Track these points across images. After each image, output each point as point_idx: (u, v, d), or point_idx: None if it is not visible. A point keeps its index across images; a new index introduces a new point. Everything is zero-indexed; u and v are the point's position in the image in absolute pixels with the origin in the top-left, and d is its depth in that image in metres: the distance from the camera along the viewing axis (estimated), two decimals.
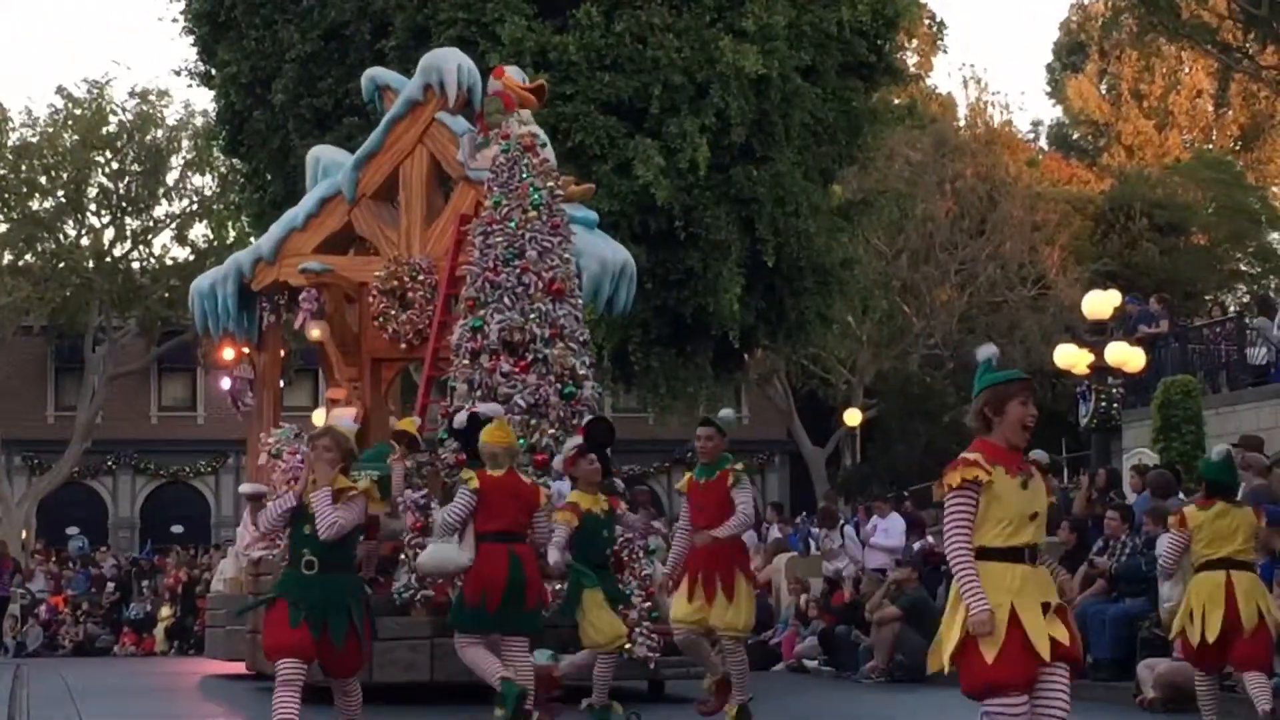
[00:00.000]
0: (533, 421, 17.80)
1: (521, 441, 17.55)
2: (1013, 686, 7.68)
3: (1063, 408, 35.95)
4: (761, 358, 41.99)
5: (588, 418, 17.31)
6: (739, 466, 13.50)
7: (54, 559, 40.98)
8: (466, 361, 18.06)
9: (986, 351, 8.23)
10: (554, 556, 13.36)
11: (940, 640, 7.94)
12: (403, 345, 21.90)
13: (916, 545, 24.57)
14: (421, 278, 21.62)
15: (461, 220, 20.54)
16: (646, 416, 41.37)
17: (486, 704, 15.97)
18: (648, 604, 16.75)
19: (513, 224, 18.24)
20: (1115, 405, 27.41)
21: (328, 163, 23.53)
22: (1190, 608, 12.76)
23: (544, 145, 19.09)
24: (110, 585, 37.40)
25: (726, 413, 14.52)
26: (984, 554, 7.80)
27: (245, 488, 22.15)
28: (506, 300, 18.08)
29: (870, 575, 23.56)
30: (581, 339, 18.48)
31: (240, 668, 21.69)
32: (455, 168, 21.88)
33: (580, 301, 18.93)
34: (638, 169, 29.56)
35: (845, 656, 22.69)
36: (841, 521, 26.62)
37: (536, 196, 18.34)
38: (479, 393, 17.83)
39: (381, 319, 21.80)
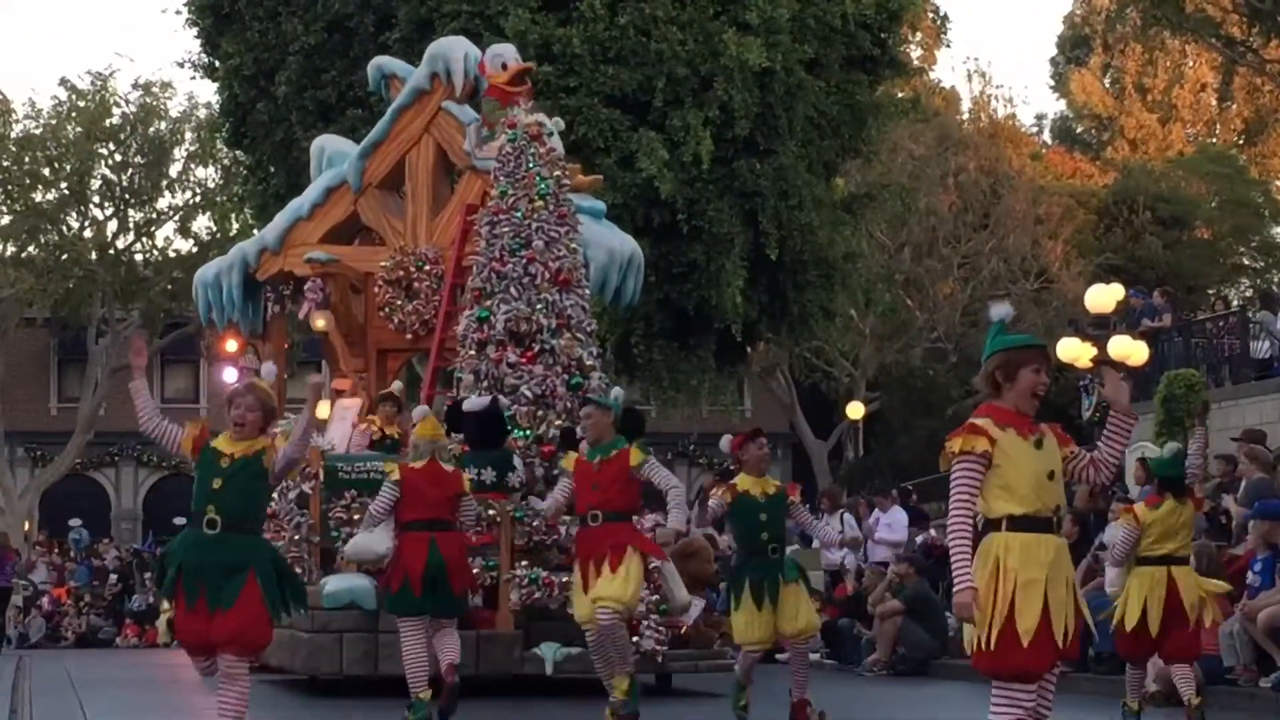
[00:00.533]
0: (539, 413, 17.76)
1: (528, 432, 17.59)
2: (1038, 674, 7.39)
3: (1065, 401, 35.90)
4: (764, 351, 41.98)
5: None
6: (636, 447, 12.96)
7: (56, 551, 41.00)
8: (473, 352, 18.02)
9: (1001, 311, 7.83)
10: (674, 519, 13.32)
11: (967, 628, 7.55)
12: (408, 336, 21.85)
13: (919, 539, 24.60)
14: (428, 268, 21.57)
15: (468, 210, 20.48)
16: (649, 409, 41.37)
17: (487, 696, 16.02)
18: (655, 597, 16.70)
19: (519, 214, 18.19)
20: None
21: (332, 152, 23.47)
22: (1129, 598, 13.00)
23: (551, 134, 19.00)
24: (113, 577, 37.41)
25: (617, 391, 14.57)
26: (1013, 524, 7.41)
27: None
28: (513, 290, 18.04)
29: (873, 569, 23.57)
30: (589, 329, 18.43)
31: None
32: (462, 157, 21.83)
33: (587, 292, 18.91)
34: (641, 162, 29.56)
35: (847, 649, 22.70)
36: (841, 510, 26.53)
37: (543, 186, 18.29)
38: (485, 383, 17.81)
39: (387, 309, 21.75)
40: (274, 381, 20.02)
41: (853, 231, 35.30)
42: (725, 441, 13.33)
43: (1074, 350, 27.82)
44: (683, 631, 17.95)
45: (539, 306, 18.01)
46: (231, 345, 25.31)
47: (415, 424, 14.60)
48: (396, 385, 20.63)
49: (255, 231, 29.37)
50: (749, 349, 36.44)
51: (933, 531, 24.20)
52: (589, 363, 18.19)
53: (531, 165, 18.36)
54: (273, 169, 34.02)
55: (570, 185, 18.99)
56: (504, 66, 20.86)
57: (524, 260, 18.10)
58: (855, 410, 44.60)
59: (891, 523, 25.24)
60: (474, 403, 17.35)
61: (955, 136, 49.41)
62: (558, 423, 17.65)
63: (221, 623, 9.25)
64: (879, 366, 47.57)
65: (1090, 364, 27.31)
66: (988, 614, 7.38)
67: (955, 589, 7.38)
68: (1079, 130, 64.00)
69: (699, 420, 41.28)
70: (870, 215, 38.09)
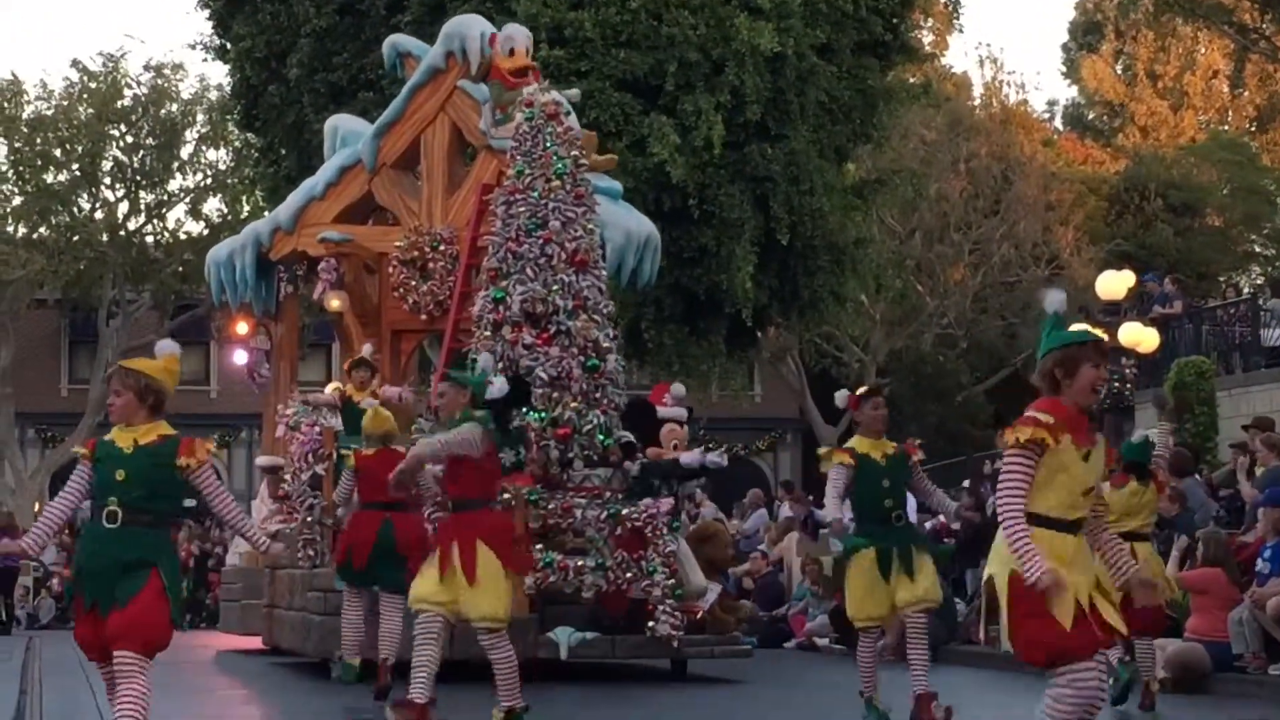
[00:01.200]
0: (555, 394, 17.67)
1: (543, 415, 17.49)
2: (1085, 652, 7.24)
3: None
4: (774, 335, 41.97)
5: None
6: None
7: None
8: (488, 333, 17.91)
9: (1055, 301, 7.67)
10: (831, 511, 12.37)
11: (1002, 615, 7.36)
12: (423, 316, 21.78)
13: (928, 525, 24.55)
14: (442, 248, 21.50)
15: (483, 190, 20.35)
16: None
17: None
18: (671, 581, 16.65)
19: (536, 194, 18.07)
20: (1128, 385, 27.35)
21: (346, 132, 23.39)
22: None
23: (568, 113, 18.89)
24: None
25: (485, 357, 14.53)
26: (1037, 520, 7.28)
27: (262, 460, 21.97)
28: (529, 271, 17.93)
29: None
30: (605, 311, 18.31)
31: (256, 642, 21.64)
32: (477, 136, 21.74)
33: (604, 273, 18.79)
34: (653, 146, 29.54)
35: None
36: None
37: (560, 166, 18.15)
38: (500, 365, 17.74)
39: (402, 290, 21.69)
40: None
41: (863, 217, 35.28)
42: (841, 397, 12.59)
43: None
44: (698, 616, 17.89)
45: (555, 287, 17.90)
46: (242, 328, 25.26)
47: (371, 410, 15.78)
48: (367, 349, 20.47)
49: (266, 214, 29.35)
50: (759, 334, 36.42)
51: (941, 518, 24.14)
52: (605, 344, 18.09)
53: (549, 144, 18.20)
54: (284, 151, 34.03)
55: (586, 164, 18.90)
56: (511, 52, 20.79)
57: (540, 240, 17.99)
58: None
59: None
60: (496, 390, 17.15)
61: (967, 122, 49.34)
62: (573, 404, 17.59)
63: (116, 618, 8.41)
64: (889, 352, 47.53)
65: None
66: (1017, 608, 7.27)
67: (1031, 573, 7.14)
68: (1090, 117, 63.88)
69: (709, 405, 41.23)
70: (881, 200, 38.07)
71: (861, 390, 12.53)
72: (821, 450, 12.55)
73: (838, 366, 47.93)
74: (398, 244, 21.73)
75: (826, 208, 31.88)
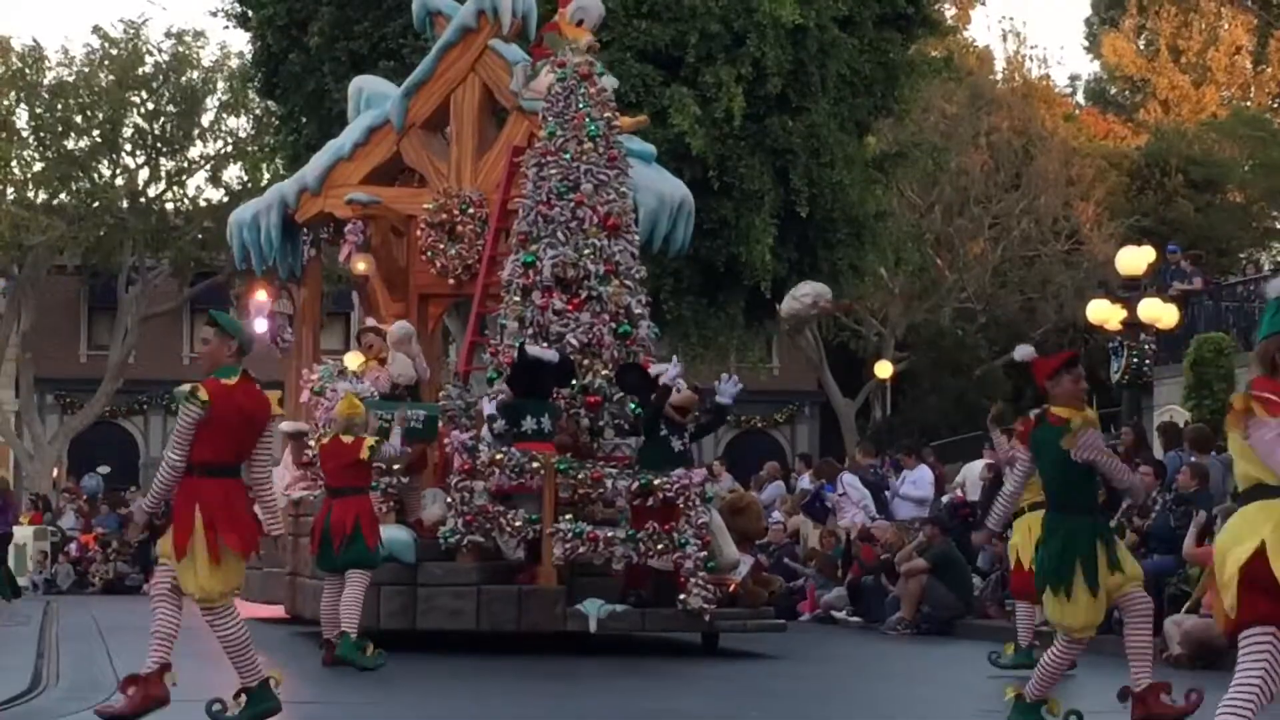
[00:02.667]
0: (585, 362, 17.56)
1: (574, 383, 17.45)
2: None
3: (1095, 363, 35.86)
4: None
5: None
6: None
7: (85, 497, 41.12)
8: (518, 298, 17.84)
9: (1277, 287, 7.37)
10: (1005, 498, 11.53)
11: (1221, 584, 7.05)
12: (451, 281, 21.54)
13: (945, 498, 24.57)
14: (472, 211, 21.32)
15: (514, 151, 20.24)
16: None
17: (529, 653, 16.06)
18: (704, 553, 16.53)
19: (568, 155, 17.98)
20: (1147, 362, 27.34)
21: (371, 93, 23.12)
22: (1019, 544, 14.09)
23: (601, 74, 18.73)
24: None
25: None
26: (1265, 492, 6.96)
27: (285, 426, 21.49)
28: (560, 235, 17.86)
29: (899, 525, 23.56)
30: (637, 276, 18.20)
31: (279, 610, 21.38)
32: (508, 97, 21.54)
33: (636, 238, 18.65)
34: (673, 117, 29.51)
35: (873, 607, 22.72)
36: (841, 471, 26.35)
37: (593, 127, 18.05)
38: (530, 331, 17.65)
39: (430, 253, 21.50)
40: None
41: (884, 190, 35.25)
42: (1023, 351, 12.08)
43: (1104, 312, 27.74)
44: (731, 590, 17.73)
45: (586, 252, 17.82)
46: (262, 295, 25.14)
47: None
48: (368, 322, 20.79)
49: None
50: (778, 306, 36.42)
51: (959, 491, 24.17)
52: (637, 310, 17.98)
53: (581, 105, 18.10)
54: (304, 119, 34.03)
55: (619, 126, 18.68)
56: (579, 23, 20.36)
57: (572, 204, 17.91)
58: (883, 369, 44.55)
59: (917, 480, 25.22)
60: (541, 352, 17.15)
61: (988, 96, 49.23)
62: (604, 372, 17.52)
63: None
64: (908, 326, 47.51)
65: (1120, 326, 27.23)
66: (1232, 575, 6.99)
67: None
68: (1112, 92, 63.67)
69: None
70: (901, 174, 38.03)
71: (1054, 358, 11.36)
72: (1016, 429, 11.43)
73: (856, 340, 47.94)
74: (426, 206, 21.53)
75: (847, 181, 31.85)
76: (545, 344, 17.44)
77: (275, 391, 19.49)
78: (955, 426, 41.58)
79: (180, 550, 10.16)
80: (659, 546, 16.40)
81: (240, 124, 47.87)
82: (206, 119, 47.61)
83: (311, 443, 18.64)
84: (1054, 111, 52.58)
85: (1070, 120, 54.41)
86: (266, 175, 46.03)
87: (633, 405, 17.53)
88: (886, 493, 25.56)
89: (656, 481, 16.51)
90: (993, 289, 47.65)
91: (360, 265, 21.79)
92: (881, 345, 47.15)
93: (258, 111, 45.68)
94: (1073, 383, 10.99)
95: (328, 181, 22.47)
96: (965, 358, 46.01)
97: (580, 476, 16.69)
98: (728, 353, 35.89)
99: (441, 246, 21.39)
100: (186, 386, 10.56)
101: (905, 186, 42.75)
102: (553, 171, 18.00)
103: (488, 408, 17.21)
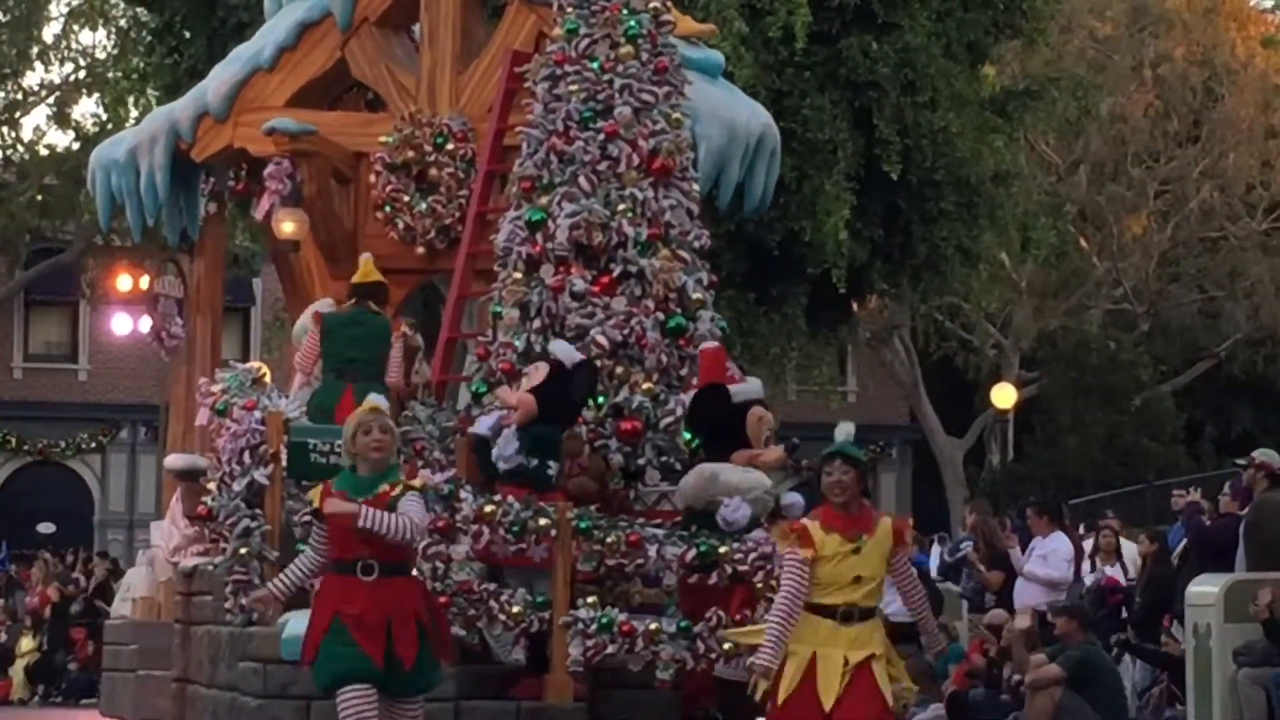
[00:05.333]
0: (619, 369, 16.83)
1: (601, 400, 16.63)
2: None
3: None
4: (877, 308, 42.03)
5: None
6: None
7: None
8: (519, 275, 17.21)
9: None
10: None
11: None
12: (420, 249, 20.97)
13: (1089, 579, 24.60)
14: (451, 147, 20.79)
15: (515, 59, 19.59)
16: None
17: None
18: None
19: (595, 64, 17.38)
20: None
21: None
22: None
23: None
24: None
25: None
26: None
27: (173, 461, 21.40)
28: (583, 182, 17.22)
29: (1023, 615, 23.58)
30: (697, 244, 17.53)
31: None
32: None
33: (695, 187, 17.97)
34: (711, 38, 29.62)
35: None
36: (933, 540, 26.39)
37: (634, 24, 17.40)
38: (537, 323, 17.07)
39: (389, 208, 21.15)
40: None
41: (1007, 142, 35.29)
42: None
43: None
44: None
45: (622, 207, 17.14)
46: (125, 283, 25.00)
47: None
48: (325, 304, 19.92)
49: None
50: (855, 305, 36.49)
51: (1107, 570, 24.19)
52: (696, 295, 17.31)
53: None
54: (187, 34, 34.12)
55: (672, 23, 18.07)
56: None
57: (601, 136, 17.30)
58: (1004, 397, 44.63)
59: (1048, 554, 25.16)
60: (566, 350, 16.40)
61: (1155, 12, 49.31)
62: (646, 385, 16.79)
63: None
64: (1039, 335, 47.58)
65: None
66: None
67: None
68: None
69: (784, 405, 41.33)
70: (1031, 120, 38.06)
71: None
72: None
73: (966, 355, 48.02)
74: (384, 139, 20.95)
75: (954, 128, 31.91)
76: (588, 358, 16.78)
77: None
78: (1105, 477, 41.62)
79: None
80: (726, 646, 15.65)
81: (97, 40, 48.04)
82: (50, 33, 47.75)
83: (212, 485, 18.28)
84: (1248, 33, 52.63)
85: (1270, 46, 54.44)
86: (134, 112, 46.14)
87: (688, 436, 16.82)
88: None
89: (722, 549, 15.54)
90: (1160, 284, 47.73)
91: (287, 225, 21.30)
92: (1002, 363, 47.24)
93: (122, 23, 45.82)
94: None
95: (239, 102, 21.94)
96: (1120, 380, 46.07)
97: (610, 540, 15.57)
98: (783, 369, 35.94)
99: (406, 199, 20.93)
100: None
101: (1037, 138, 42.80)
102: (573, 88, 17.42)
103: (483, 426, 16.66)
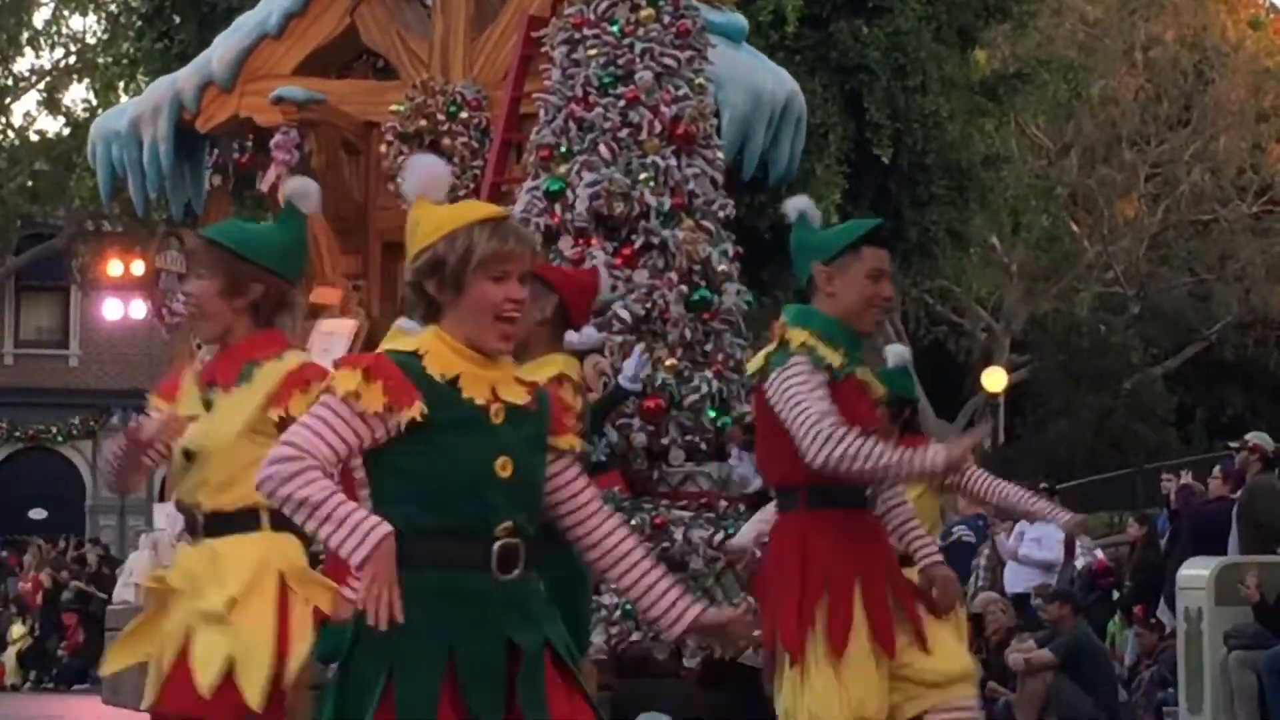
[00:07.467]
0: (642, 346, 16.30)
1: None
2: None
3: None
4: None
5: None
6: None
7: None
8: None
9: None
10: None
11: None
12: None
13: (1079, 563, 24.59)
14: (465, 115, 20.76)
15: (531, 24, 19.71)
16: None
17: None
18: None
19: (615, 28, 17.39)
20: None
21: None
22: None
23: None
24: None
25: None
26: None
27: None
28: (603, 150, 17.23)
29: (1011, 603, 23.59)
30: (721, 215, 17.59)
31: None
32: None
33: (719, 155, 18.05)
34: None
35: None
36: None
37: None
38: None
39: (401, 180, 21.10)
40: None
41: (997, 126, 35.27)
42: None
43: None
44: None
45: (644, 176, 17.15)
46: (116, 268, 25.00)
47: None
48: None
49: None
50: None
51: (1099, 553, 24.19)
52: (721, 267, 17.41)
53: None
54: (177, 19, 34.09)
55: None
56: None
57: (621, 102, 17.32)
58: (995, 380, 44.58)
59: (1041, 537, 25.20)
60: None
61: None
62: (670, 361, 16.70)
63: None
64: (1030, 318, 47.56)
65: None
66: None
67: None
68: None
69: None
70: (1022, 103, 38.05)
71: None
72: None
73: (956, 338, 47.97)
74: (395, 108, 20.98)
75: (945, 112, 31.90)
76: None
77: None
78: (1096, 461, 41.61)
79: None
80: (756, 633, 15.46)
81: (87, 25, 47.97)
82: (39, 18, 47.69)
83: None
84: (1238, 17, 52.63)
85: (1258, 28, 54.40)
86: (125, 97, 46.10)
87: (712, 413, 16.89)
88: (987, 552, 25.59)
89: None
90: (1151, 267, 47.69)
91: None
92: (992, 345, 47.21)
93: (113, 8, 45.73)
94: None
95: (245, 71, 21.93)
96: (1110, 363, 46.03)
97: (635, 522, 15.37)
98: None
99: None
100: None
101: (1028, 121, 42.77)
102: (593, 52, 17.43)
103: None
